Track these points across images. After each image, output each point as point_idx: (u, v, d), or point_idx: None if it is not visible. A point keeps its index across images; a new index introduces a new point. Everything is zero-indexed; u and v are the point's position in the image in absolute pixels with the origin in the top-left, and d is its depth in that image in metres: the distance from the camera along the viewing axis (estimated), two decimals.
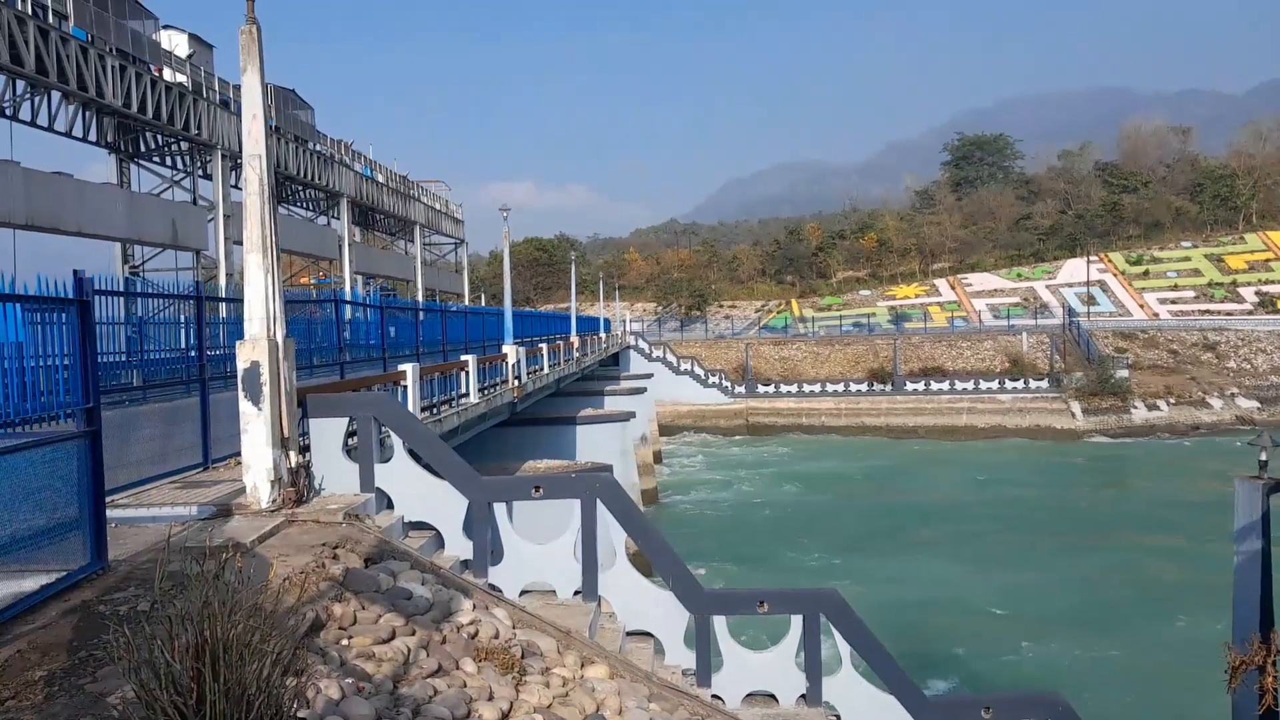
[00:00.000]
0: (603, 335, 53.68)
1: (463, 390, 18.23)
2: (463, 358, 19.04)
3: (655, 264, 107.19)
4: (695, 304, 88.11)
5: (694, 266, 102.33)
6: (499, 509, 9.81)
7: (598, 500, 9.75)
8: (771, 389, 67.22)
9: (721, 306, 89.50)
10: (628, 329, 72.59)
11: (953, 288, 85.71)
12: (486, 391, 20.13)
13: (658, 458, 52.28)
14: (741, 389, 67.57)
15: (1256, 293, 77.56)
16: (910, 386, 65.59)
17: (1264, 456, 12.84)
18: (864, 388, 66.28)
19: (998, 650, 23.84)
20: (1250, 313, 75.00)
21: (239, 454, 9.22)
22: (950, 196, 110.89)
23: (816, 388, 66.72)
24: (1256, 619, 10.76)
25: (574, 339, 38.24)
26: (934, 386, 65.25)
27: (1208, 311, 75.55)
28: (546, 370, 28.87)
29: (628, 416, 35.65)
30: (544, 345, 29.75)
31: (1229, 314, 74.74)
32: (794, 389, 66.90)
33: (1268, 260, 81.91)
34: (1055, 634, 24.81)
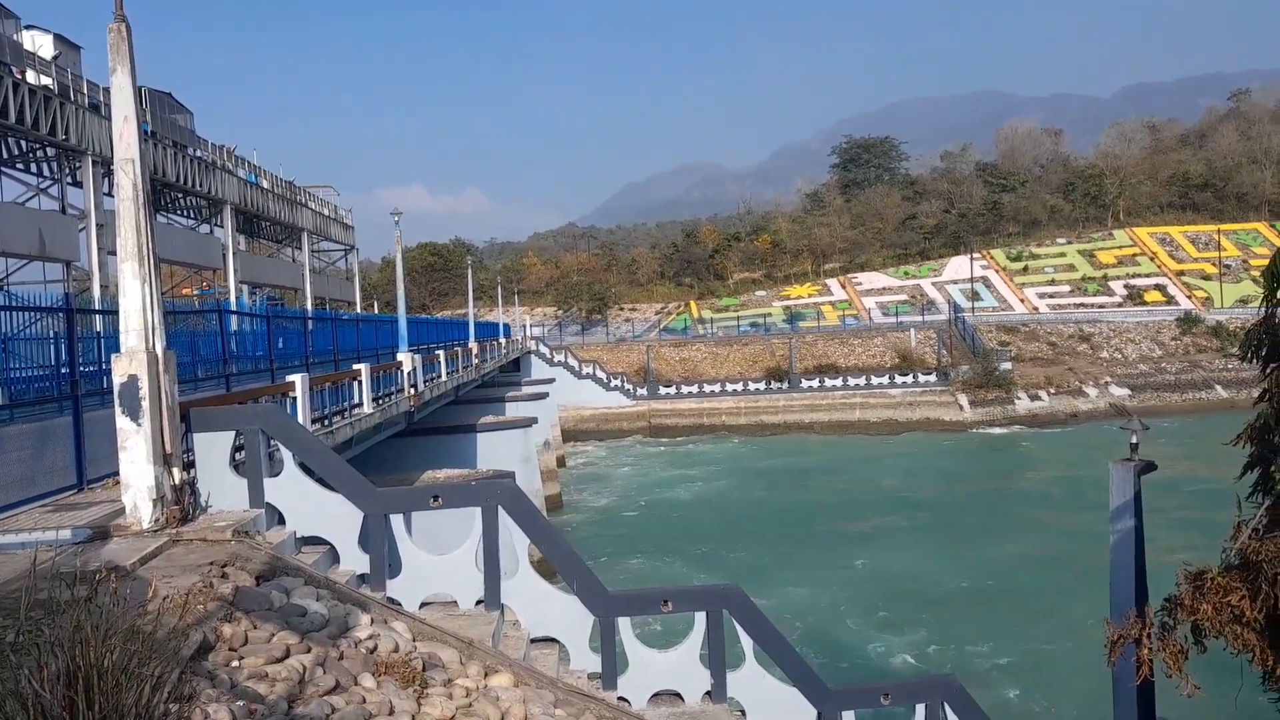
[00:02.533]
0: (503, 341, 53.19)
1: (356, 400, 17.81)
2: (355, 367, 18.60)
3: (555, 268, 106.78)
4: (596, 307, 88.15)
5: (594, 270, 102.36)
6: (396, 521, 9.62)
7: (499, 508, 9.64)
8: (673, 390, 67.79)
9: (622, 309, 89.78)
10: (528, 334, 72.12)
11: (843, 287, 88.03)
12: (381, 401, 19.71)
13: (561, 463, 52.14)
14: (644, 391, 67.94)
15: (1125, 286, 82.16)
16: (806, 384, 67.11)
17: (1134, 440, 13.60)
18: (762, 386, 67.49)
19: (898, 637, 24.61)
20: (1120, 305, 79.43)
21: (118, 473, 8.79)
22: (839, 198, 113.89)
23: (717, 388, 67.60)
24: (1132, 594, 11.34)
25: (473, 345, 37.76)
26: (828, 383, 66.92)
27: (1082, 305, 79.64)
28: (445, 378, 28.44)
29: (530, 422, 35.48)
30: (441, 352, 29.27)
31: (1101, 307, 78.96)
32: (695, 390, 67.63)
33: (1135, 255, 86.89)
34: (953, 619, 25.75)
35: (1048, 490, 42.70)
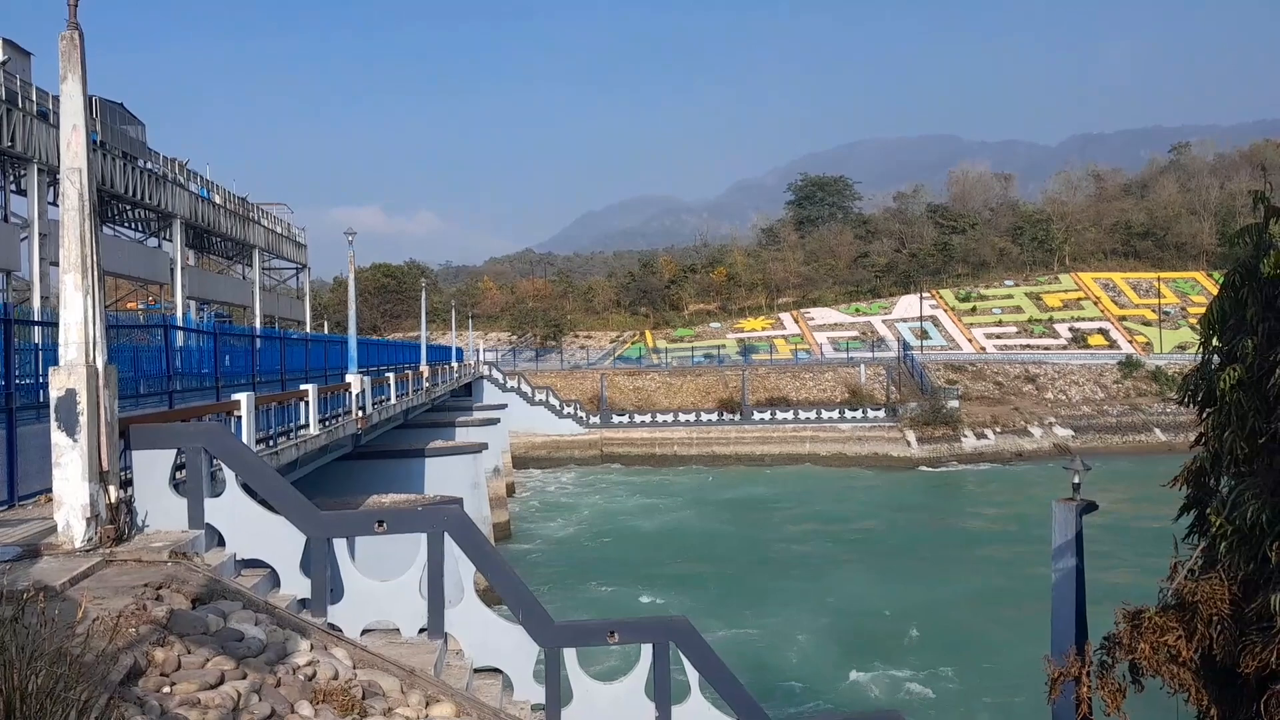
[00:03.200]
0: (455, 365, 52.75)
1: (302, 421, 17.53)
2: (302, 387, 18.33)
3: (510, 293, 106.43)
4: (551, 334, 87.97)
5: (550, 296, 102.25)
6: (339, 545, 9.45)
7: (445, 534, 9.51)
8: (626, 419, 67.78)
9: (577, 337, 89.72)
10: (481, 359, 71.65)
11: (796, 321, 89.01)
12: (329, 423, 19.43)
13: (511, 490, 51.77)
14: (597, 419, 67.83)
15: (1070, 329, 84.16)
16: (758, 416, 67.53)
17: (1076, 480, 13.87)
18: (714, 417, 67.77)
19: (845, 672, 24.65)
20: (1065, 348, 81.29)
21: (51, 489, 8.52)
22: (794, 234, 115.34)
23: (670, 417, 67.74)
24: (1073, 632, 11.50)
25: (424, 368, 37.41)
26: (780, 416, 67.41)
27: (1028, 346, 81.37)
28: (394, 401, 28.14)
29: (480, 448, 35.17)
30: (391, 375, 28.96)
31: (1046, 349, 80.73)
32: (648, 419, 67.69)
33: (1079, 299, 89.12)
34: (898, 652, 25.88)
35: (992, 527, 43.29)
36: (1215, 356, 9.23)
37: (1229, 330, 9.03)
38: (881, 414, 67.11)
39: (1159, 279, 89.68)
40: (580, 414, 67.70)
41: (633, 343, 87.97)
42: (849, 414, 67.05)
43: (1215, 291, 9.43)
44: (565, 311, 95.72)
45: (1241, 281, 8.89)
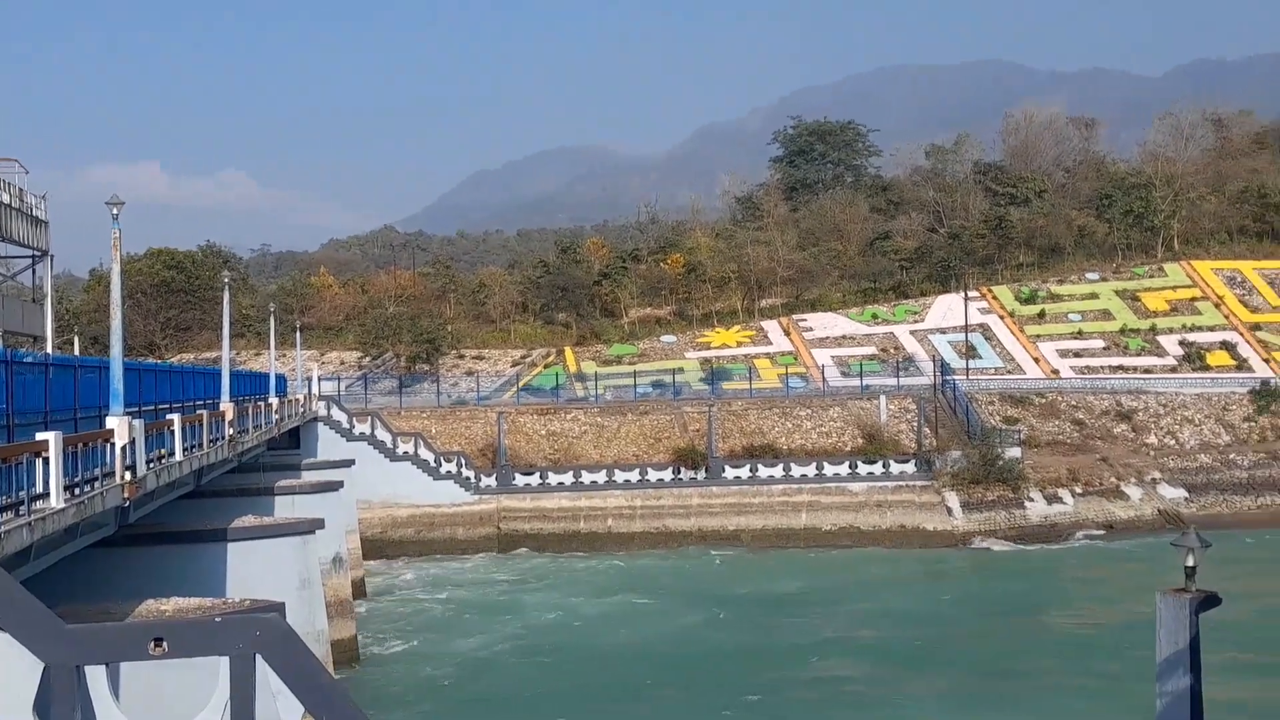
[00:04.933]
0: (274, 401, 52.23)
1: (39, 489, 17.23)
2: (39, 436, 18.04)
3: (360, 293, 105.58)
4: (423, 353, 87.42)
5: (421, 297, 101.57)
6: (94, 675, 9.42)
7: (256, 657, 9.62)
8: (536, 480, 67.53)
9: (463, 357, 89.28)
10: (316, 391, 70.89)
11: (787, 333, 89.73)
12: (80, 491, 19.17)
13: (361, 590, 51.47)
14: (492, 481, 67.49)
15: (1181, 343, 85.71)
16: (731, 473, 67.84)
17: (1191, 562, 14.18)
18: (668, 476, 67.86)
19: None
20: (1174, 370, 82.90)
21: None
22: (783, 206, 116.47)
23: (601, 476, 67.62)
24: None
25: (227, 407, 37.03)
26: (763, 473, 67.82)
27: (1121, 368, 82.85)
28: (180, 456, 27.89)
29: (312, 527, 35.01)
30: (177, 418, 28.62)
31: (1148, 371, 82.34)
32: (568, 479, 67.50)
33: (1193, 299, 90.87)
34: None
35: (1076, 635, 44.05)
36: None
37: None
38: (910, 467, 67.97)
39: None
40: (467, 474, 67.32)
41: (546, 365, 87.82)
42: (864, 468, 67.74)
43: None
44: (445, 319, 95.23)
45: None
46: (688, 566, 59.50)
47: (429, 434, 69.80)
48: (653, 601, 51.28)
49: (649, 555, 62.39)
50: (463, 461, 67.85)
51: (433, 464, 67.20)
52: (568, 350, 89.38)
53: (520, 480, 67.71)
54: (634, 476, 67.97)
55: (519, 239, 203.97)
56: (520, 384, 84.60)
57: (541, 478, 67.91)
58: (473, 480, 67.36)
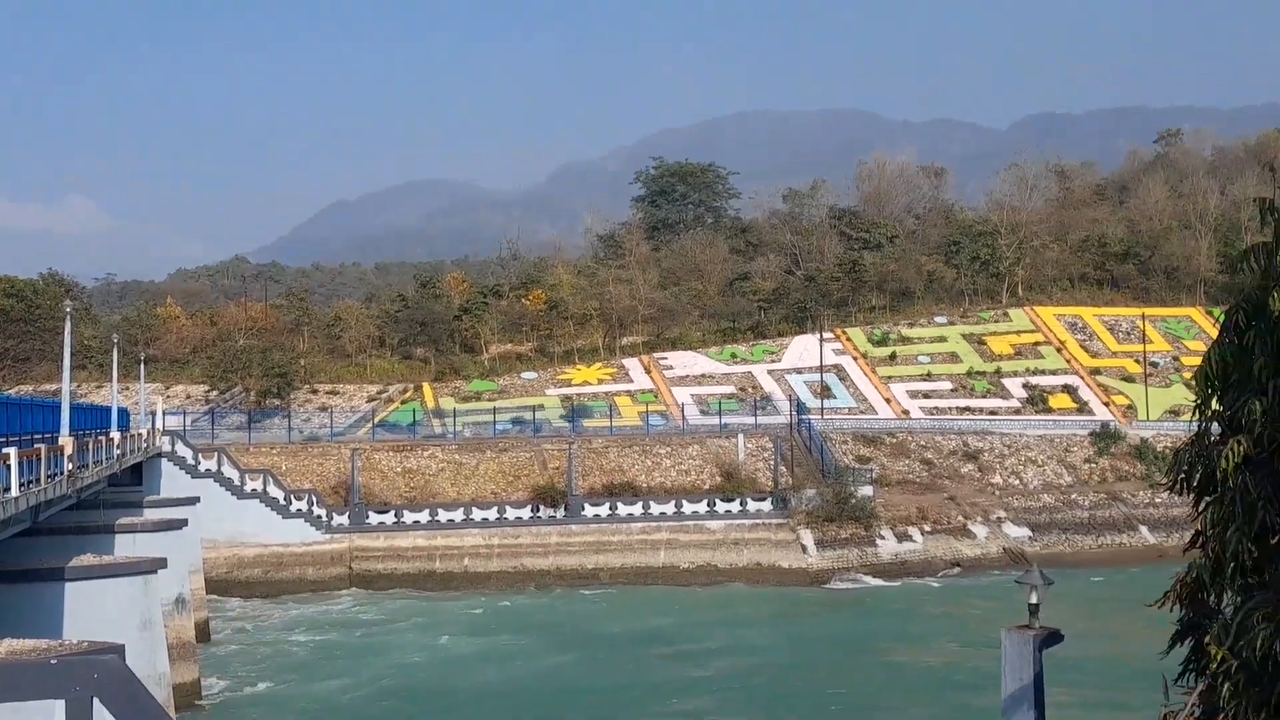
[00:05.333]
0: (116, 435, 50.78)
1: None
2: None
3: (209, 324, 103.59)
4: (274, 387, 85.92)
5: (273, 330, 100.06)
6: None
7: (94, 701, 9.45)
8: (390, 519, 66.79)
9: (316, 392, 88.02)
10: (160, 425, 69.03)
11: (648, 371, 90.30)
12: None
13: (205, 632, 50.60)
14: (344, 519, 66.49)
15: (1025, 385, 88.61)
16: (591, 511, 67.84)
17: (1034, 600, 14.42)
18: (526, 514, 67.65)
19: None
20: (1018, 411, 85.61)
21: None
22: (644, 245, 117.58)
23: (458, 515, 67.15)
24: None
25: (66, 442, 35.92)
26: (623, 510, 67.98)
27: (968, 409, 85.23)
28: (16, 492, 27.05)
29: (154, 566, 34.64)
30: (13, 451, 27.69)
31: (993, 413, 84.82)
32: (424, 518, 66.87)
33: (1037, 344, 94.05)
34: None
35: (928, 671, 44.88)
36: (1215, 424, 9.61)
37: (1231, 388, 9.41)
38: (767, 505, 68.70)
39: (1144, 317, 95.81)
40: (318, 512, 66.25)
41: (404, 401, 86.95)
42: (721, 506, 68.32)
43: (1214, 333, 9.81)
44: (298, 353, 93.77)
45: (1246, 322, 9.19)
46: (554, 604, 59.38)
47: (279, 471, 68.52)
48: (520, 640, 50.98)
49: (516, 594, 61.94)
50: (314, 499, 66.73)
51: (282, 502, 65.99)
52: (426, 386, 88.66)
53: (374, 519, 66.83)
54: (492, 515, 67.58)
55: (377, 272, 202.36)
56: (376, 420, 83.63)
57: (396, 516, 67.13)
58: (324, 519, 66.25)
